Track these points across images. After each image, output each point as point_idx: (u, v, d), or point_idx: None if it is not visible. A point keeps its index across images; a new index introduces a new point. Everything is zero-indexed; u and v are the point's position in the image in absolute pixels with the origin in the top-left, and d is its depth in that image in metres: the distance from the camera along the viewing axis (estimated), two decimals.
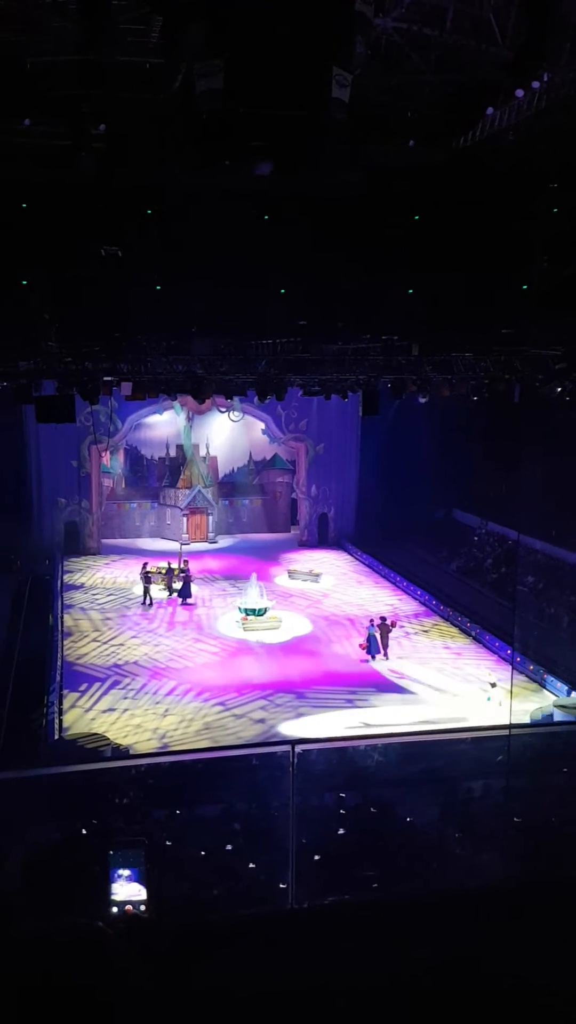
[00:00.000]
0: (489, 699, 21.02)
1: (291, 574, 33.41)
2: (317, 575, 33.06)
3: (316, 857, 10.17)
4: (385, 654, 24.20)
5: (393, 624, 24.98)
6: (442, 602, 29.32)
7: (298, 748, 5.34)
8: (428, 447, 37.60)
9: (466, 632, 26.68)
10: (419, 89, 17.87)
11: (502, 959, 4.08)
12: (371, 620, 25.05)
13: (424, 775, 15.13)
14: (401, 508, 37.28)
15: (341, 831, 12.46)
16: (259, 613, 26.94)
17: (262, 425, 39.67)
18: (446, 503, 39.43)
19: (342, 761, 15.40)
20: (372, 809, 13.61)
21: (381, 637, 24.26)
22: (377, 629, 24.40)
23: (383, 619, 25.00)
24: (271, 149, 10.03)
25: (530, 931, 4.39)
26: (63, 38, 15.47)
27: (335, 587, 32.52)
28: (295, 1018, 3.36)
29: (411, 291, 20.72)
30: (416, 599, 30.67)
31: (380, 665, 23.69)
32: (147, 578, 29.96)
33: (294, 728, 19.36)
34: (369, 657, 24.04)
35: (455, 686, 22.23)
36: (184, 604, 29.26)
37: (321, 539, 40.08)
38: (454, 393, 26.29)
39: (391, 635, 24.61)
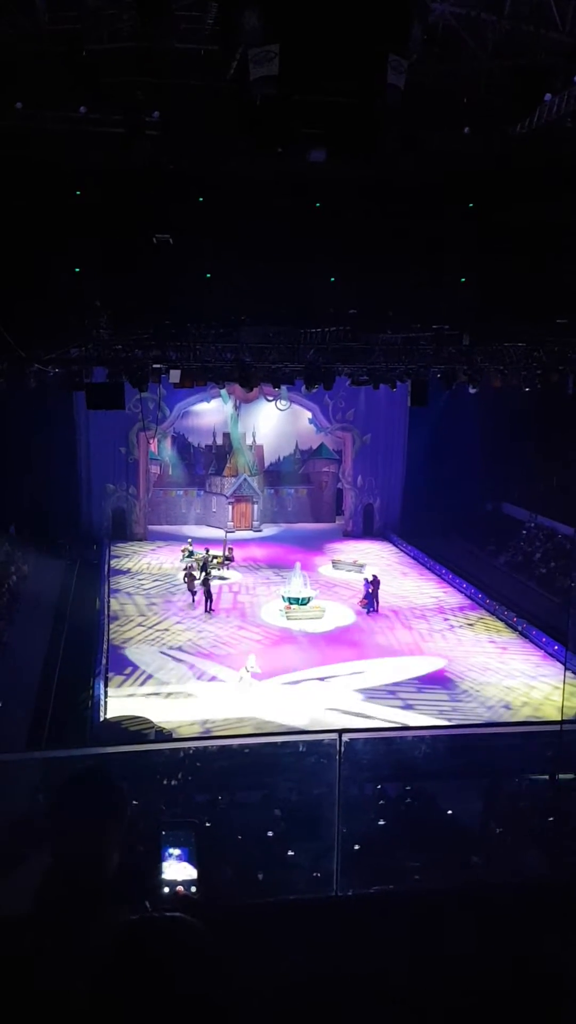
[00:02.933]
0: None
1: (335, 564, 33.38)
2: (361, 565, 32.97)
3: (356, 846, 10.19)
4: (377, 609, 27.61)
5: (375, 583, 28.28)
6: (488, 596, 29.04)
7: (345, 737, 5.32)
8: (477, 439, 37.16)
9: (512, 627, 26.40)
10: (475, 75, 17.61)
11: (544, 955, 4.05)
12: (366, 580, 28.31)
13: (469, 768, 15.05)
14: (448, 500, 36.95)
15: (382, 822, 12.47)
16: (303, 602, 26.98)
17: (309, 414, 39.60)
18: (495, 496, 38.97)
19: (388, 751, 15.38)
20: (417, 801, 13.59)
21: (373, 593, 27.73)
22: (371, 587, 27.77)
23: (375, 577, 28.44)
24: (325, 136, 9.94)
25: (571, 928, 4.35)
26: (119, 26, 15.57)
27: (380, 578, 32.38)
28: (338, 1004, 3.37)
29: (463, 279, 20.47)
30: (462, 592, 30.43)
31: (423, 656, 23.58)
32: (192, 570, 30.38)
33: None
34: (365, 612, 27.55)
35: (499, 679, 22.03)
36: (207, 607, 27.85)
37: (366, 530, 39.94)
38: (506, 384, 25.97)
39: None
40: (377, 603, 27.93)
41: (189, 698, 20.41)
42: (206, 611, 27.07)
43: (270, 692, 20.75)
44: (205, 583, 27.84)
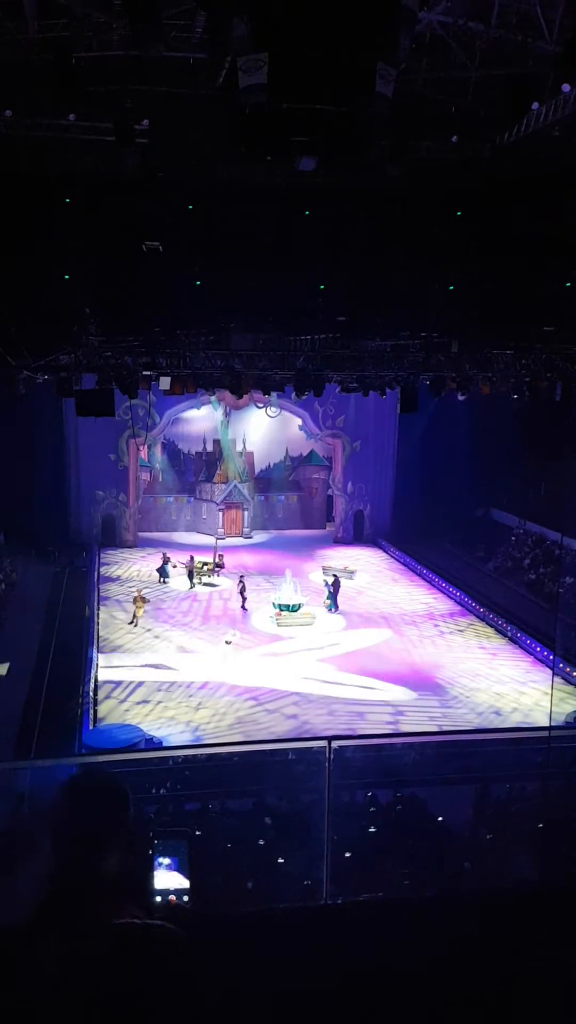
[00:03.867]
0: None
1: (325, 571, 33.38)
2: (352, 572, 32.99)
3: (347, 854, 10.18)
4: (337, 608, 28.43)
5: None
6: (478, 602, 29.10)
7: (334, 744, 5.32)
8: (466, 445, 37.32)
9: (502, 632, 26.45)
10: (463, 84, 17.73)
11: (534, 960, 4.05)
12: (326, 582, 29.18)
13: (459, 774, 15.05)
14: (438, 506, 37.08)
15: (373, 829, 12.46)
16: (293, 609, 26.96)
17: (299, 421, 39.65)
18: (484, 502, 39.13)
19: (378, 758, 15.37)
20: (407, 808, 13.58)
21: (334, 591, 28.57)
22: (331, 587, 28.59)
23: (336, 576, 29.40)
24: (314, 144, 9.98)
25: (563, 934, 4.35)
26: (108, 34, 15.61)
27: (369, 584, 32.43)
28: (327, 1012, 3.36)
29: (452, 288, 20.56)
30: (451, 598, 30.49)
31: (413, 662, 23.60)
32: (189, 572, 31.07)
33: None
34: (328, 611, 28.26)
35: (489, 685, 22.05)
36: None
37: (356, 536, 39.98)
38: (494, 391, 26.08)
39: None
40: (336, 604, 28.77)
41: (179, 706, 20.34)
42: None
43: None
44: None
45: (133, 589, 28.75)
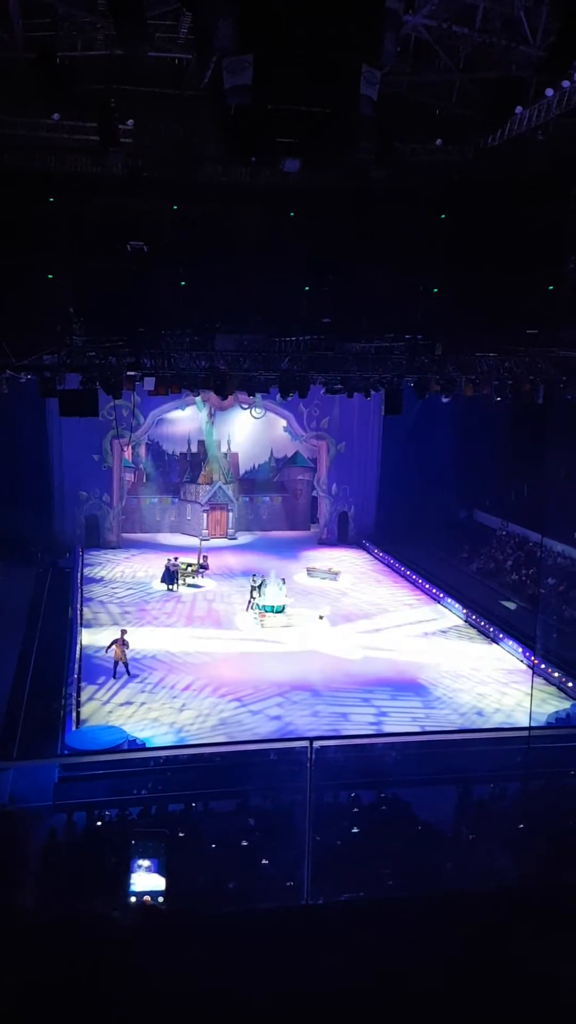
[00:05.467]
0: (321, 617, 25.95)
1: (310, 572, 33.41)
2: (336, 573, 33.03)
3: (329, 853, 10.20)
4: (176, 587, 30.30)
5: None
6: (461, 603, 29.21)
7: (316, 744, 5.34)
8: (450, 447, 37.47)
9: (484, 633, 26.57)
10: (448, 87, 17.84)
11: (515, 960, 4.07)
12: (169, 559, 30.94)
13: (442, 775, 15.10)
14: (422, 508, 37.20)
15: (355, 829, 12.48)
16: (277, 610, 26.96)
17: (284, 422, 39.64)
18: (467, 504, 39.31)
19: (360, 759, 15.40)
20: (388, 808, 13.61)
21: (173, 575, 30.31)
22: (173, 568, 30.30)
23: (176, 558, 31.07)
24: (299, 145, 10.00)
25: (543, 933, 4.37)
26: (93, 34, 15.58)
27: (354, 585, 32.49)
28: (307, 1014, 3.36)
29: (436, 290, 20.66)
30: (435, 599, 30.58)
31: (397, 663, 23.66)
32: (175, 573, 30.87)
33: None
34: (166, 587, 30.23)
35: (472, 686, 22.14)
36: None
37: (341, 537, 40.03)
38: (477, 393, 26.19)
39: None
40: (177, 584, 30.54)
41: (163, 707, 20.29)
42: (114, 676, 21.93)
43: (240, 703, 20.77)
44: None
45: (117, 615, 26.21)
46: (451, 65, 16.99)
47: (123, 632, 22.42)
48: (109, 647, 21.92)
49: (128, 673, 21.77)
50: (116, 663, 21.82)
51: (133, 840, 3.24)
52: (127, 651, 21.94)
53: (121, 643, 21.82)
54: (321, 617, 25.98)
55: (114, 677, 21.69)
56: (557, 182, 18.23)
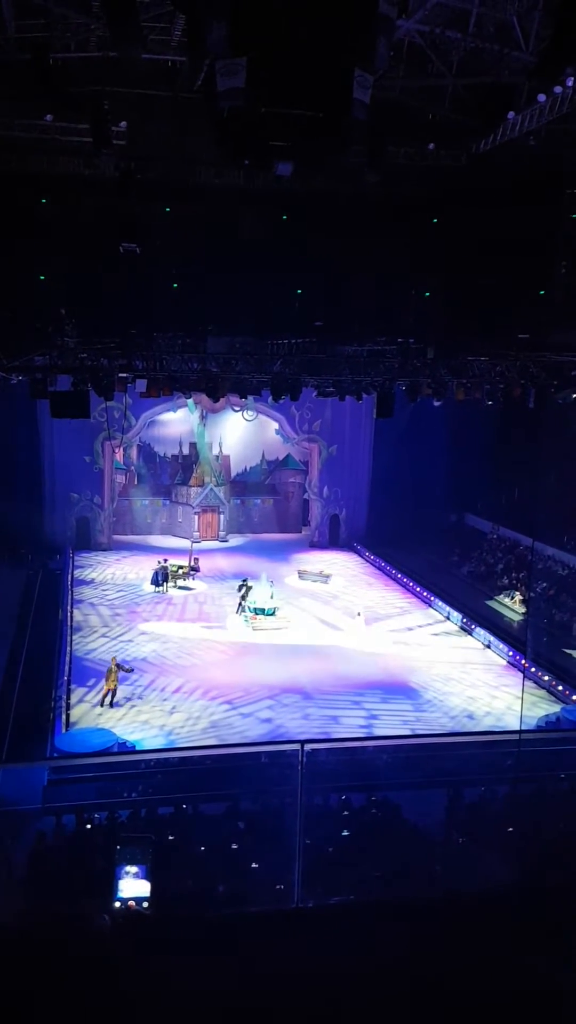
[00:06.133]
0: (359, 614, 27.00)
1: (301, 575, 33.40)
2: (327, 576, 33.03)
3: (319, 856, 10.20)
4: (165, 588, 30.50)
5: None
6: (452, 606, 29.24)
7: (307, 747, 5.33)
8: (441, 451, 37.52)
9: (475, 636, 26.59)
10: (441, 92, 17.89)
11: (504, 961, 4.08)
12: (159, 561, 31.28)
13: (432, 778, 15.11)
14: (413, 511, 37.27)
15: (345, 832, 12.47)
16: (268, 613, 26.94)
17: (275, 425, 39.64)
18: (458, 507, 39.37)
19: (351, 762, 15.39)
20: (378, 811, 13.61)
21: (163, 577, 30.50)
22: (162, 570, 30.55)
23: (165, 559, 31.33)
24: (291, 149, 10.01)
25: (531, 935, 4.38)
26: (87, 35, 15.58)
27: (345, 588, 32.50)
28: (296, 1014, 3.36)
29: (428, 294, 20.71)
30: (426, 602, 30.62)
31: (387, 666, 23.68)
32: (165, 575, 30.87)
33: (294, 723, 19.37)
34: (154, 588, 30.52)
35: (463, 689, 22.17)
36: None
37: (332, 540, 40.04)
38: (469, 397, 26.24)
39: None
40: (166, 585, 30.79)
41: (153, 710, 20.24)
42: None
43: (230, 705, 20.74)
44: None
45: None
46: (444, 70, 17.04)
47: (115, 661, 20.58)
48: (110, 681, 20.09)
49: (112, 705, 20.05)
50: (105, 695, 20.14)
51: (119, 846, 3.24)
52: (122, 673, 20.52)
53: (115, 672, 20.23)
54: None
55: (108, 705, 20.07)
56: (549, 187, 18.31)
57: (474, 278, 19.36)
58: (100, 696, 20.35)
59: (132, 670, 20.63)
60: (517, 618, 28.57)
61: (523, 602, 29.08)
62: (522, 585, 30.41)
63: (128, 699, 20.61)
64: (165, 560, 31.43)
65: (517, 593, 29.90)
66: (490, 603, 30.00)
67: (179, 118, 16.99)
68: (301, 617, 27.99)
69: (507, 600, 29.84)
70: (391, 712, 20.71)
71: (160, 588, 30.69)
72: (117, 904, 3.21)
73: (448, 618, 28.59)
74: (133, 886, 3.17)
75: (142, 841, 3.31)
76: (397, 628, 27.61)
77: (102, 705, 20.10)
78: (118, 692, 20.37)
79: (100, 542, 37.35)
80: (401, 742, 17.59)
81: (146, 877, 3.17)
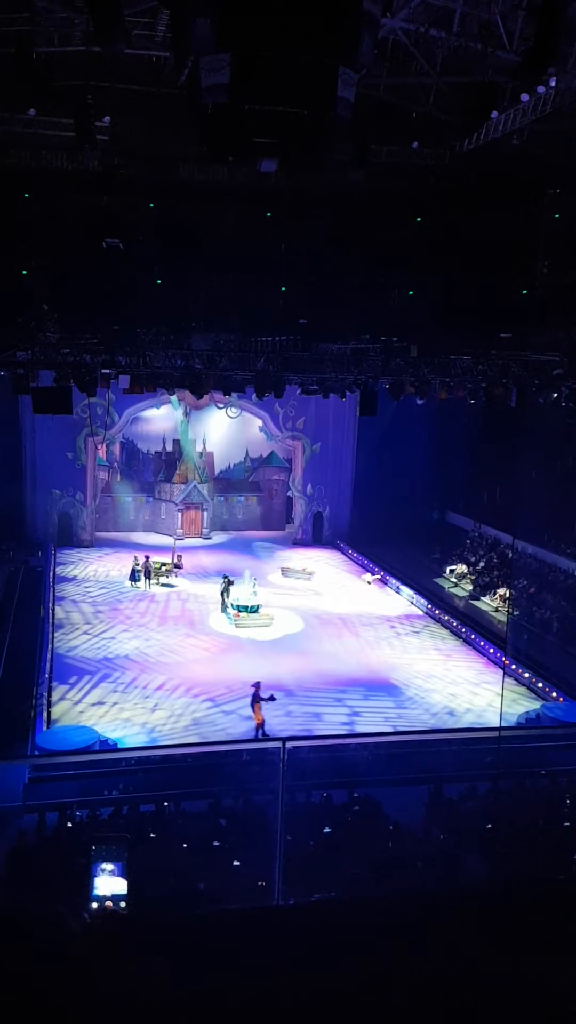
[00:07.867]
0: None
1: (284, 572, 33.43)
2: (310, 573, 33.07)
3: (301, 853, 10.21)
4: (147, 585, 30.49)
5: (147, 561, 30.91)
6: (433, 603, 29.36)
7: (288, 745, 5.34)
8: (424, 449, 37.70)
9: (456, 634, 26.73)
10: (425, 90, 17.93)
11: (484, 959, 4.09)
12: (136, 557, 31.38)
13: (413, 775, 15.16)
14: (396, 509, 37.40)
15: (327, 829, 12.50)
16: (251, 610, 26.93)
17: (259, 422, 39.65)
18: (440, 505, 39.55)
19: (333, 759, 15.42)
20: (360, 808, 13.64)
21: (144, 574, 30.59)
22: (142, 567, 30.68)
23: (147, 557, 31.09)
24: (276, 146, 9.99)
25: (513, 932, 4.40)
26: (70, 29, 15.49)
27: (328, 586, 32.55)
28: (277, 1015, 3.36)
29: (411, 292, 20.75)
30: (407, 599, 30.72)
31: (369, 663, 23.74)
32: (147, 571, 30.85)
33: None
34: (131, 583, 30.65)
35: (444, 686, 22.27)
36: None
37: (315, 538, 40.10)
38: (451, 396, 26.35)
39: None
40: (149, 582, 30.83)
41: (135, 707, 20.20)
42: None
43: (212, 703, 20.72)
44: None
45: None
46: (428, 68, 17.08)
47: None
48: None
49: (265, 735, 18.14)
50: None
51: (94, 845, 3.23)
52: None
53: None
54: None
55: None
56: (531, 187, 18.38)
57: (456, 276, 19.41)
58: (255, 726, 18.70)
59: (273, 698, 19.01)
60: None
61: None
62: (501, 582, 30.58)
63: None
64: (147, 557, 31.34)
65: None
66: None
67: (163, 114, 16.93)
68: (283, 614, 28.01)
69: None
70: (373, 709, 20.77)
71: (138, 584, 30.65)
72: (94, 904, 3.20)
73: (429, 615, 28.69)
74: (109, 884, 3.16)
75: (118, 839, 3.30)
76: (379, 625, 27.68)
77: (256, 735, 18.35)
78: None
79: (82, 539, 37.21)
80: (383, 739, 17.64)
81: (122, 875, 3.16)
